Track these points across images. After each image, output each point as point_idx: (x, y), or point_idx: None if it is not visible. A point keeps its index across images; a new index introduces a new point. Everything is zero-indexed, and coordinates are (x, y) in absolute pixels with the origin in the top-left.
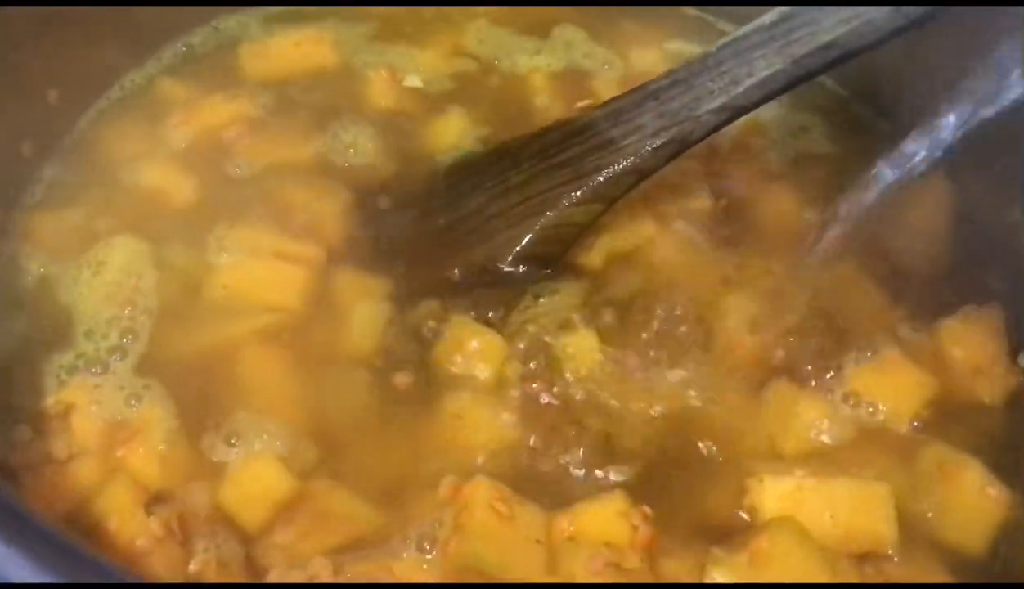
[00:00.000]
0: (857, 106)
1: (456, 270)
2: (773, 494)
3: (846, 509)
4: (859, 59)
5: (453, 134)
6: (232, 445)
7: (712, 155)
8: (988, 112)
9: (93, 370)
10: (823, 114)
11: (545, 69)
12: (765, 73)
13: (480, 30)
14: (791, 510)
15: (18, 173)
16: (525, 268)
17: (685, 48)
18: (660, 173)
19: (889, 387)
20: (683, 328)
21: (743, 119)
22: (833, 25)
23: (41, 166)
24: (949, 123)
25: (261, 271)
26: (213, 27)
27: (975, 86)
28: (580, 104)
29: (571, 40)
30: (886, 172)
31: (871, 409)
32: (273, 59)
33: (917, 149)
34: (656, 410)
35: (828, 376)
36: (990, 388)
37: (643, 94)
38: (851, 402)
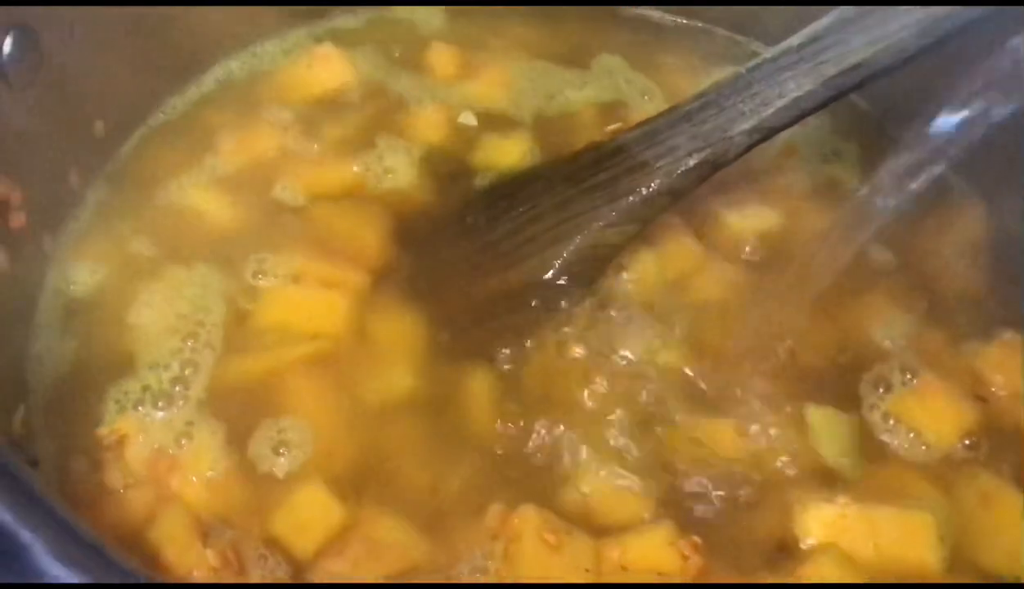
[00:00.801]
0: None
1: (491, 293)
2: (816, 521)
3: (890, 537)
4: None
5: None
6: (281, 472)
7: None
8: (1002, 112)
9: (151, 401)
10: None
11: (595, 101)
12: (795, 94)
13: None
14: (835, 537)
15: (65, 200)
16: (562, 286)
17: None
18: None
19: (929, 413)
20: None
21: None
22: (862, 46)
23: (85, 193)
24: (948, 127)
25: (304, 298)
26: (251, 53)
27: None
28: (610, 127)
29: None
30: (877, 200)
31: (912, 435)
32: (313, 84)
33: (908, 164)
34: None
35: (868, 402)
36: None
37: (676, 116)
38: (891, 427)
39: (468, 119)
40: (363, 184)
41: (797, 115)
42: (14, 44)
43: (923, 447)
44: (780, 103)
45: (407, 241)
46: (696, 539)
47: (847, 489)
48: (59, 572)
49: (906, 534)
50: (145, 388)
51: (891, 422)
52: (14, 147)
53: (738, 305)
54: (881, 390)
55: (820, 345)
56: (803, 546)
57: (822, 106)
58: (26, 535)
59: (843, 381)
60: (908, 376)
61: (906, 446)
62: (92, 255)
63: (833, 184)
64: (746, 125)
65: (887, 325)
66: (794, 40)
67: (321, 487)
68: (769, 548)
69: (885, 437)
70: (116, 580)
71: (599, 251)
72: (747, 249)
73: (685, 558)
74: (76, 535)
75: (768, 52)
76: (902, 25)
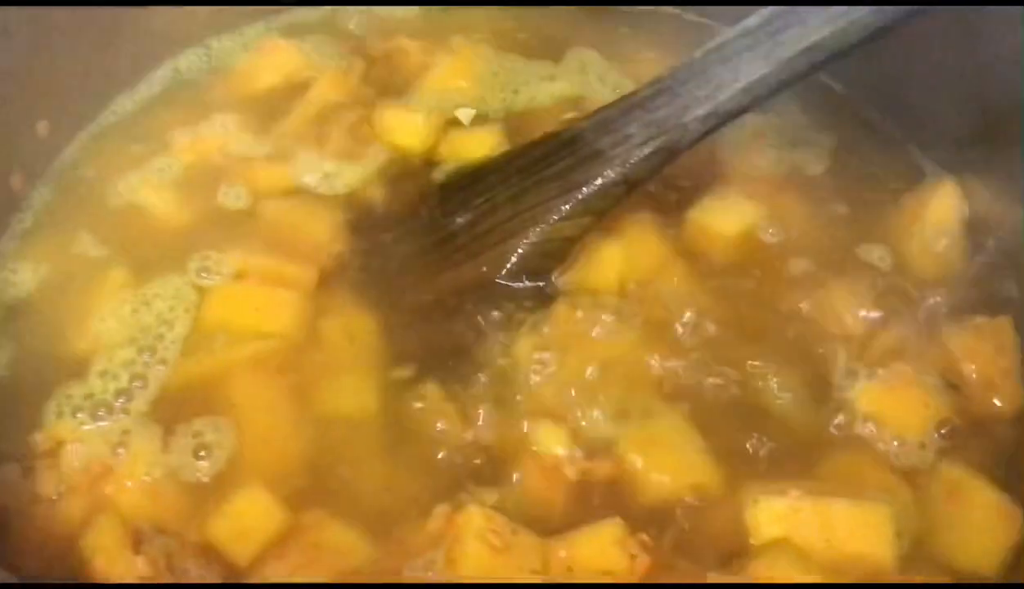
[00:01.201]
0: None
1: (445, 290)
2: (768, 515)
3: (843, 531)
4: None
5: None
6: (221, 477)
7: None
8: None
9: (92, 409)
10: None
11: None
12: (751, 77)
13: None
14: (787, 532)
15: (6, 202)
16: (517, 284)
17: None
18: None
19: (899, 403)
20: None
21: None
22: (819, 25)
23: (30, 194)
24: None
25: (252, 296)
26: (204, 49)
27: None
28: (566, 116)
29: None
30: None
31: (877, 427)
32: (266, 80)
33: None
34: None
35: (837, 391)
36: (1003, 404)
37: (630, 103)
38: (859, 417)
39: (465, 115)
40: (315, 182)
41: (753, 99)
42: None
43: (891, 438)
44: (736, 87)
45: (359, 237)
46: (645, 537)
47: (801, 483)
48: None
49: (860, 528)
50: (88, 396)
51: (859, 412)
52: None
53: (704, 299)
54: (851, 380)
55: (787, 334)
56: (754, 542)
57: (779, 90)
58: None
59: (813, 371)
60: (877, 365)
61: (873, 436)
62: (36, 257)
63: (801, 171)
64: (700, 111)
65: (858, 312)
66: (751, 21)
67: (262, 491)
68: (721, 545)
69: (853, 427)
70: None
71: (554, 245)
72: (716, 242)
73: (633, 557)
74: None
75: (724, 34)
76: (861, 4)
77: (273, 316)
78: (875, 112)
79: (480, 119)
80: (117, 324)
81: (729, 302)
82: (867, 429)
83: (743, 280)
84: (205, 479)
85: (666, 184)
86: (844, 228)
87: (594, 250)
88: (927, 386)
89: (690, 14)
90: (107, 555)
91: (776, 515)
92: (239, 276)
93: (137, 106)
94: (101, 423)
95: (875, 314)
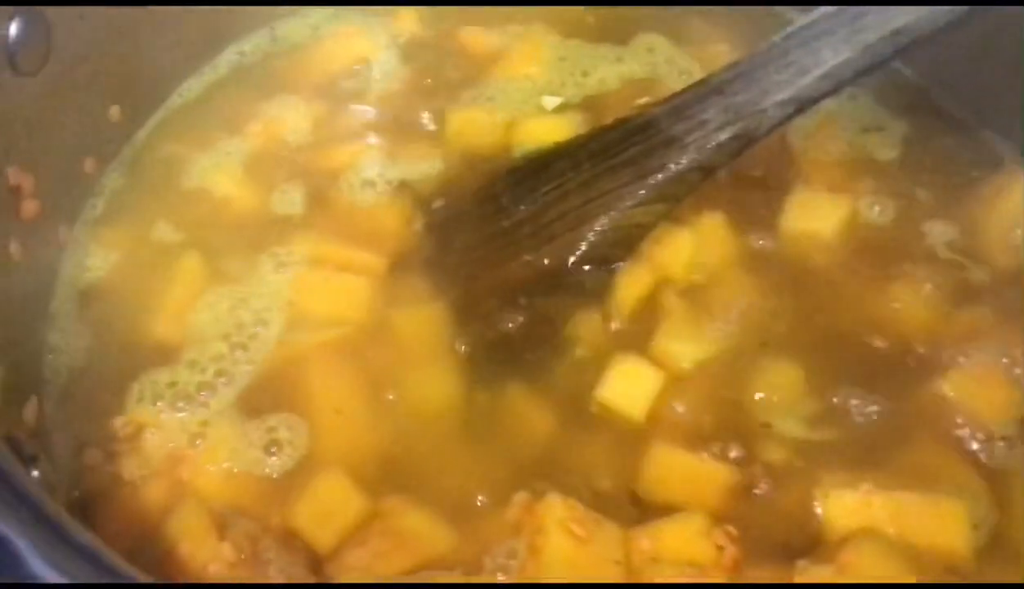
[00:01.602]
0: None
1: (515, 277)
2: (840, 508)
3: (916, 524)
4: None
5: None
6: (301, 464)
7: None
8: None
9: (174, 397)
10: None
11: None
12: (833, 62)
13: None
14: (861, 524)
15: (81, 187)
16: (589, 270)
17: None
18: None
19: (981, 394)
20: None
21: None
22: (904, 9)
23: (102, 179)
24: None
25: (324, 283)
26: (269, 32)
27: None
28: (640, 101)
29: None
30: None
31: (958, 419)
32: (336, 65)
33: None
34: None
35: (915, 384)
36: None
37: (707, 89)
38: (938, 407)
39: (550, 102)
40: (386, 167)
41: (834, 85)
42: (21, 29)
43: (967, 430)
44: (817, 72)
45: (428, 224)
46: (731, 529)
47: (873, 474)
48: (47, 573)
49: (934, 521)
50: (171, 384)
51: (940, 403)
52: (24, 135)
53: (775, 292)
54: (927, 368)
55: (864, 327)
56: (832, 532)
57: (861, 75)
58: (15, 538)
59: (890, 365)
60: (959, 354)
61: (947, 428)
62: (109, 242)
63: (873, 158)
64: (780, 96)
65: (934, 304)
66: (832, 6)
67: (342, 477)
68: (802, 537)
69: (925, 418)
70: (106, 581)
71: (627, 232)
72: (783, 233)
73: (720, 549)
74: (66, 536)
75: (804, 18)
76: None
77: (346, 303)
78: (948, 97)
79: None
80: (211, 318)
81: (799, 293)
82: (944, 420)
83: (816, 273)
84: (285, 466)
85: (737, 172)
86: (919, 215)
87: (663, 241)
88: (1012, 377)
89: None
90: (193, 540)
91: (849, 508)
92: (312, 262)
93: (204, 90)
94: (181, 413)
95: (952, 303)
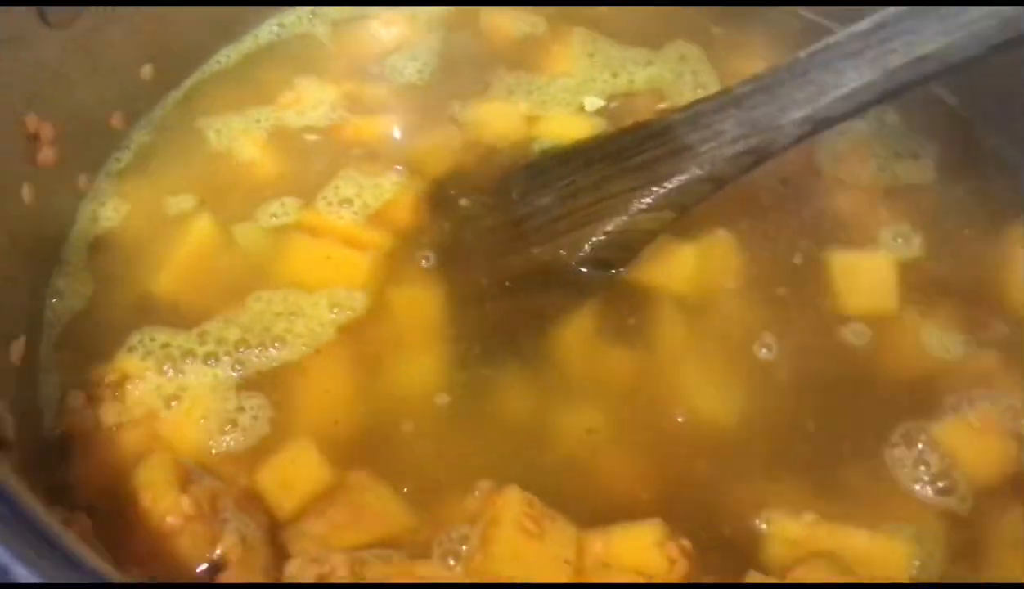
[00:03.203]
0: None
1: (517, 269)
2: (782, 535)
3: (857, 561)
4: None
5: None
6: (275, 430)
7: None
8: None
9: (154, 350)
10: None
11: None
12: (854, 84)
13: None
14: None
15: (105, 141)
16: (589, 271)
17: None
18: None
19: (973, 447)
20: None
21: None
22: (934, 35)
23: (129, 134)
24: None
25: (328, 256)
26: (310, 9)
27: None
28: (659, 106)
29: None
30: None
31: (946, 464)
32: (367, 45)
33: None
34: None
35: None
36: None
37: (726, 99)
38: (926, 452)
39: (591, 103)
40: (404, 147)
41: (854, 107)
42: None
43: (952, 478)
44: (837, 93)
45: (439, 209)
46: (686, 543)
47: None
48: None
49: (876, 560)
50: (165, 345)
51: (928, 446)
52: (49, 85)
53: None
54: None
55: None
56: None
57: (883, 99)
58: None
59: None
60: (963, 400)
61: (932, 473)
62: (126, 195)
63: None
64: (798, 114)
65: (947, 343)
66: (861, 25)
67: (312, 448)
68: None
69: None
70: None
71: (632, 236)
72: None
73: (672, 561)
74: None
75: (832, 37)
76: (984, 15)
77: (344, 276)
78: (989, 129)
79: (577, 103)
80: (212, 281)
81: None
82: (931, 466)
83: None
84: (258, 432)
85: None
86: (943, 248)
87: (668, 250)
88: (1009, 433)
89: (807, 12)
90: (155, 491)
91: (788, 538)
92: (318, 234)
93: (241, 58)
94: (167, 373)
95: (965, 346)
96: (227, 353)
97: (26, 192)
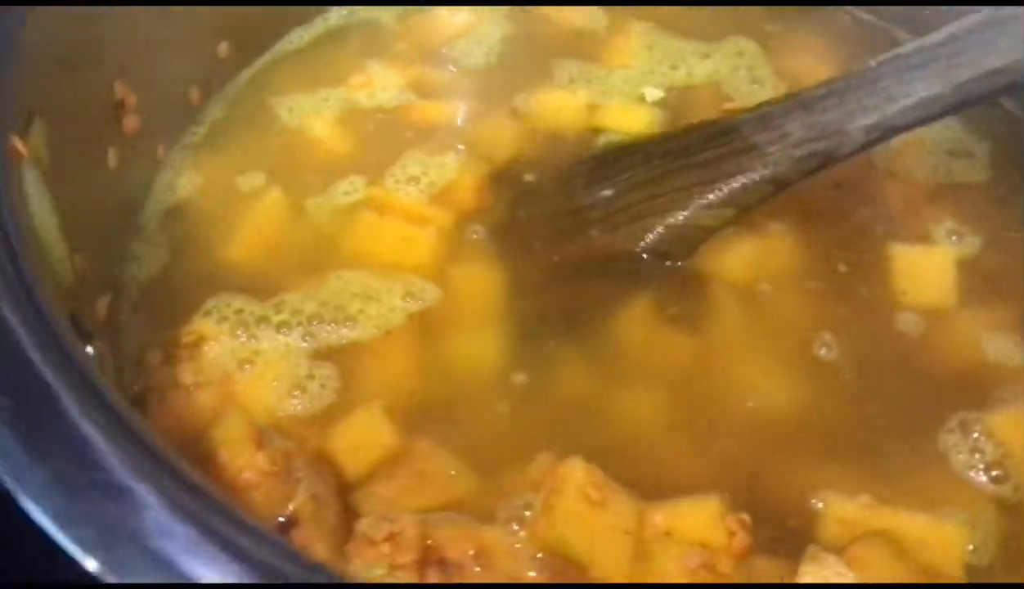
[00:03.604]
0: None
1: (576, 256)
2: (839, 515)
3: (912, 543)
4: None
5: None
6: (345, 396)
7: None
8: None
9: (229, 316)
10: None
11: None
12: (923, 94)
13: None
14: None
15: (183, 113)
16: (646, 259)
17: None
18: None
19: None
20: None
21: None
22: (1004, 50)
23: (205, 109)
24: None
25: (392, 231)
26: None
27: None
28: (726, 105)
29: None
30: None
31: (1000, 453)
32: (435, 32)
33: None
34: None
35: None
36: None
37: (794, 102)
38: (981, 440)
39: (651, 94)
40: (471, 132)
41: (922, 117)
42: None
43: (1005, 466)
44: (905, 102)
45: (503, 192)
46: (745, 517)
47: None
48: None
49: (930, 543)
50: (238, 311)
51: (982, 435)
52: (139, 53)
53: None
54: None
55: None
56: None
57: (952, 111)
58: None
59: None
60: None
61: (986, 459)
62: (200, 168)
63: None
64: (866, 121)
65: (1002, 341)
66: (934, 36)
67: (381, 414)
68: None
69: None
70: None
71: (692, 232)
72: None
73: (732, 534)
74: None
75: (903, 47)
76: None
77: (408, 252)
78: None
79: (637, 93)
80: (281, 252)
81: (853, 310)
82: (985, 452)
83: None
84: (328, 399)
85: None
86: (995, 248)
87: (726, 241)
88: None
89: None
90: (232, 448)
91: (842, 518)
92: (384, 210)
93: (312, 40)
94: (240, 339)
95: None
96: (300, 324)
97: (112, 157)
